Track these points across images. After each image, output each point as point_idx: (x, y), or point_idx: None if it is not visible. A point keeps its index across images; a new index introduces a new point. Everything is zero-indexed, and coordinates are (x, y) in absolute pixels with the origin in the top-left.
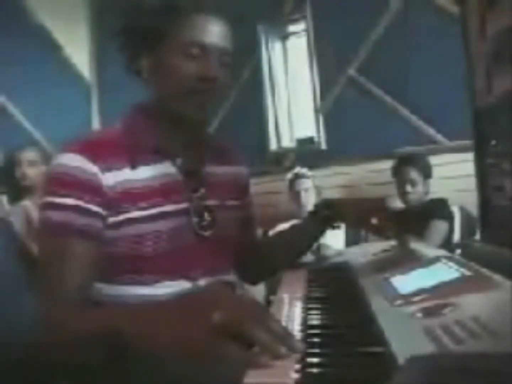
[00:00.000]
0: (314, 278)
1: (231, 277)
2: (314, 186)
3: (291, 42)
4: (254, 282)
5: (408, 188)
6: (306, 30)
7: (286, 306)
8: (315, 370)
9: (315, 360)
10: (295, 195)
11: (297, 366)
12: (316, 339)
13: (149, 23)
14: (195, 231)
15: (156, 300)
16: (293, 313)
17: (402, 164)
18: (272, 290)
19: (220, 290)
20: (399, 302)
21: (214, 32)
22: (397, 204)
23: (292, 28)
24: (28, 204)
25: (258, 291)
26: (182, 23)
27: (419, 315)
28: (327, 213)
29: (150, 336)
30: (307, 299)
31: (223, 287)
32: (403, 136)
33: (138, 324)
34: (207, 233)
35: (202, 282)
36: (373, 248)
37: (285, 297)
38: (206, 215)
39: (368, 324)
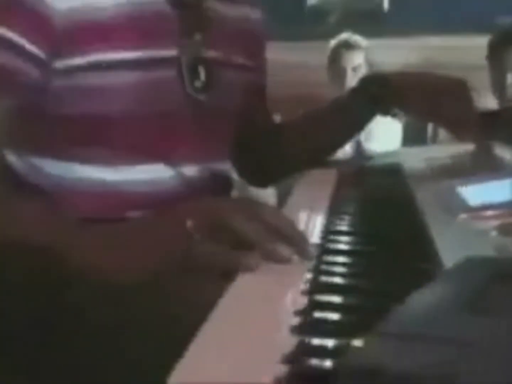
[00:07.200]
0: (348, 182)
1: (227, 167)
2: (367, 63)
3: None
4: (263, 183)
5: (510, 78)
6: None
7: (303, 212)
8: (328, 279)
9: (330, 268)
10: (339, 74)
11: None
12: (332, 246)
13: None
14: (185, 91)
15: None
16: (313, 221)
17: (505, 42)
18: (285, 196)
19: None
20: (466, 215)
21: None
22: (486, 101)
23: None
24: None
25: (267, 196)
26: None
27: (494, 233)
28: (378, 92)
29: (114, 257)
30: (333, 207)
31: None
32: (505, 2)
33: (95, 240)
34: (200, 97)
35: (188, 169)
36: (439, 152)
37: (303, 201)
38: (201, 71)
39: (413, 238)
